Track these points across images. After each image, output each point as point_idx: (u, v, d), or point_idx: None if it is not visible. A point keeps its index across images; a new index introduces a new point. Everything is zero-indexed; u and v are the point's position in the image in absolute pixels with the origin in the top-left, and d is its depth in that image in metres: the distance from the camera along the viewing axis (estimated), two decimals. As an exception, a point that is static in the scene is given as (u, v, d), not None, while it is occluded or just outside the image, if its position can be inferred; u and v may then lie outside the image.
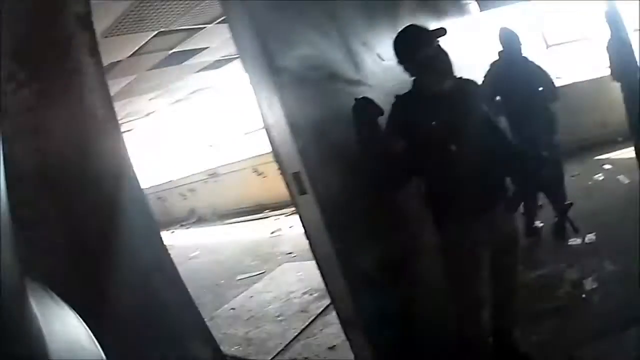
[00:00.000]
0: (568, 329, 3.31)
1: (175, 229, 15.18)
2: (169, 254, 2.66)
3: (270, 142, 2.65)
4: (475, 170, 2.62)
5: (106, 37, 5.12)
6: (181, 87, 10.40)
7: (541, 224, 5.10)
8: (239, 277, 7.50)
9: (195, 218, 15.23)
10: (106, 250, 2.21)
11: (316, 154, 2.60)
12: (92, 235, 2.21)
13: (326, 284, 2.67)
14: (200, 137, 15.06)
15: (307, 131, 2.60)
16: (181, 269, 8.34)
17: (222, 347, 5.02)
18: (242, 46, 2.61)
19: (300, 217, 2.66)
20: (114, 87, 7.57)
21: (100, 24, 4.79)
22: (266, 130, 2.65)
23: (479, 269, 2.78)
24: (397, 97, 2.78)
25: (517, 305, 3.13)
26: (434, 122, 2.59)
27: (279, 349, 4.65)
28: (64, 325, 0.99)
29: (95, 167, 2.30)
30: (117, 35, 5.22)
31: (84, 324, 1.06)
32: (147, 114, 12.90)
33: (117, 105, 9.26)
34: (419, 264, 3.12)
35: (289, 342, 4.72)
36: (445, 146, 2.60)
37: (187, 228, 14.69)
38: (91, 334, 1.05)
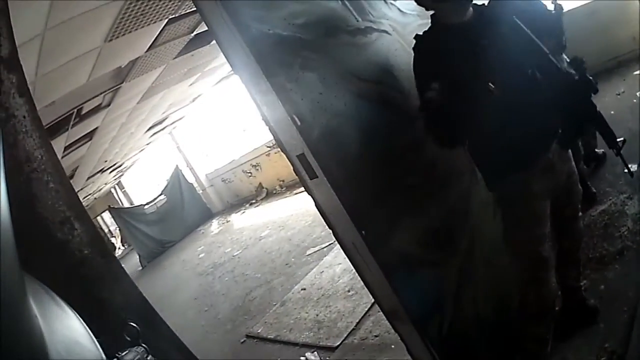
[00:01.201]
0: (634, 273, 3.00)
1: (245, 209, 15.25)
2: (141, 294, 2.34)
3: (266, 125, 2.27)
4: (524, 107, 2.17)
5: (110, 40, 4.91)
6: (219, 65, 10.16)
7: (602, 151, 4.59)
8: (308, 252, 7.39)
9: (263, 194, 15.18)
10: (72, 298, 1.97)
11: (321, 130, 2.20)
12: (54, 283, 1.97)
13: (360, 275, 2.30)
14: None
15: (306, 104, 2.19)
16: (253, 252, 8.45)
17: (293, 335, 4.91)
18: (211, 21, 2.22)
19: (316, 204, 2.29)
20: (143, 83, 7.44)
21: (98, 32, 4.62)
22: (260, 114, 2.27)
23: (543, 225, 2.37)
24: (417, 37, 2.35)
25: (581, 254, 2.84)
26: (466, 60, 2.10)
27: (350, 329, 4.46)
28: (64, 325, 1.03)
29: (41, 212, 2.08)
30: (122, 35, 4.98)
31: (84, 324, 1.11)
32: (194, 99, 12.81)
33: (156, 98, 9.26)
34: (466, 231, 2.70)
35: (359, 320, 4.51)
36: (484, 85, 2.09)
37: (257, 206, 14.65)
38: (91, 334, 1.09)
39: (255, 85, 2.18)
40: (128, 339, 2.04)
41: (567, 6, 4.29)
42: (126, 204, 23.77)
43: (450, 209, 2.63)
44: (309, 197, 2.30)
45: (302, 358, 4.47)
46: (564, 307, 2.81)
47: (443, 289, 2.45)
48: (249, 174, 15.92)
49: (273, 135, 2.28)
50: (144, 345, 1.96)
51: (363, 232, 2.15)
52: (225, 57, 2.25)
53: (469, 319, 2.55)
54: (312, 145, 2.14)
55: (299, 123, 2.12)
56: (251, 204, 15.41)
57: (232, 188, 17.29)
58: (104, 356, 1.06)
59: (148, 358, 1.89)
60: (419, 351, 2.32)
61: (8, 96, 2.09)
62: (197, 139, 17.79)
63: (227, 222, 15.23)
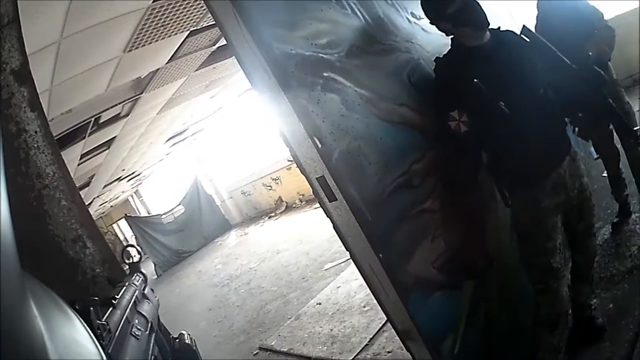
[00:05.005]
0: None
1: (264, 222, 15.24)
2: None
3: (286, 145, 2.28)
4: (536, 125, 2.30)
5: (130, 51, 4.93)
6: (241, 78, 10.10)
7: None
8: (326, 267, 7.36)
9: (283, 207, 15.17)
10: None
11: (341, 152, 2.20)
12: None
13: (375, 296, 2.31)
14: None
15: (327, 126, 2.19)
16: (270, 264, 8.41)
17: (306, 349, 4.88)
18: (232, 39, 2.24)
19: (334, 226, 2.29)
20: (164, 94, 7.51)
21: (117, 42, 4.64)
22: (280, 134, 2.28)
23: (553, 239, 2.46)
24: (437, 59, 2.52)
25: (594, 272, 2.91)
26: (475, 80, 2.26)
27: (364, 344, 4.45)
28: (64, 325, 1.01)
29: (53, 229, 2.07)
30: (142, 46, 4.99)
31: (84, 323, 1.10)
32: (214, 112, 12.85)
33: (177, 110, 9.26)
34: (483, 253, 2.70)
35: (373, 336, 4.50)
36: (496, 104, 2.26)
37: (276, 219, 14.64)
38: (91, 334, 1.08)
39: (276, 105, 2.19)
40: (126, 262, 2.09)
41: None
42: (143, 213, 23.96)
43: (467, 231, 2.62)
44: (328, 219, 2.30)
45: (314, 372, 4.46)
46: (573, 323, 2.84)
47: (458, 309, 2.46)
48: (269, 187, 15.93)
49: (293, 156, 2.28)
50: (142, 272, 2.01)
51: (380, 255, 2.15)
52: (246, 75, 2.27)
53: (481, 336, 2.55)
54: (332, 168, 2.15)
55: (319, 145, 2.12)
56: (270, 217, 15.42)
57: (252, 200, 17.31)
58: (104, 356, 1.06)
59: (146, 286, 1.95)
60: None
61: (19, 110, 2.07)
62: (218, 150, 17.85)
63: (245, 234, 15.26)
